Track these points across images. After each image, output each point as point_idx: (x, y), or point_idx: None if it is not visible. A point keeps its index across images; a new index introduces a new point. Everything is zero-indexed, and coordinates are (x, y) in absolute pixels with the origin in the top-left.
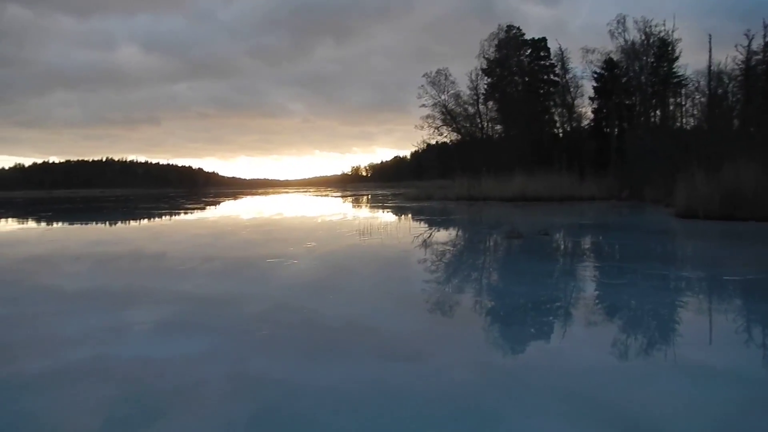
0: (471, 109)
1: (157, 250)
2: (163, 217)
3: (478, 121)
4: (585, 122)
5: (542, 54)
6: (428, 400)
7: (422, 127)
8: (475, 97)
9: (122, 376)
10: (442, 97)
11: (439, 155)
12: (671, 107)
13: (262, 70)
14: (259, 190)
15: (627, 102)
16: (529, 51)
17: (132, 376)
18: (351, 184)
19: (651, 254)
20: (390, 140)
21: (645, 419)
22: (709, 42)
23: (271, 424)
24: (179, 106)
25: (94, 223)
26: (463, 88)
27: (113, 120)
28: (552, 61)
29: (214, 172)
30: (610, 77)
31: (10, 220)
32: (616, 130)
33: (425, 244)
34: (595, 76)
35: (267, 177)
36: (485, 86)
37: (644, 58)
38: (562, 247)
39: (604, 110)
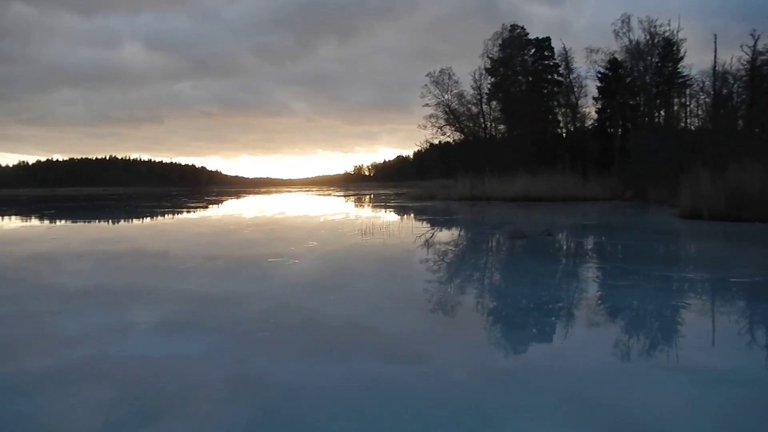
0: (474, 109)
1: (159, 249)
2: (166, 216)
3: (482, 120)
4: (589, 122)
5: (546, 54)
6: (429, 402)
7: (425, 127)
8: (478, 97)
9: (123, 376)
10: (446, 96)
11: (442, 155)
12: (675, 107)
13: (266, 69)
14: (262, 189)
15: (631, 102)
16: (532, 51)
17: (133, 375)
18: (354, 184)
19: (656, 255)
20: (393, 140)
21: (651, 423)
22: (715, 42)
23: (272, 424)
24: (182, 105)
25: (96, 221)
26: (467, 87)
27: (117, 118)
28: (556, 61)
29: (217, 171)
30: (615, 77)
31: (13, 217)
32: (620, 130)
33: (427, 244)
34: (599, 76)
35: (270, 176)
36: (489, 86)
37: (649, 58)
38: (566, 247)
39: (608, 110)
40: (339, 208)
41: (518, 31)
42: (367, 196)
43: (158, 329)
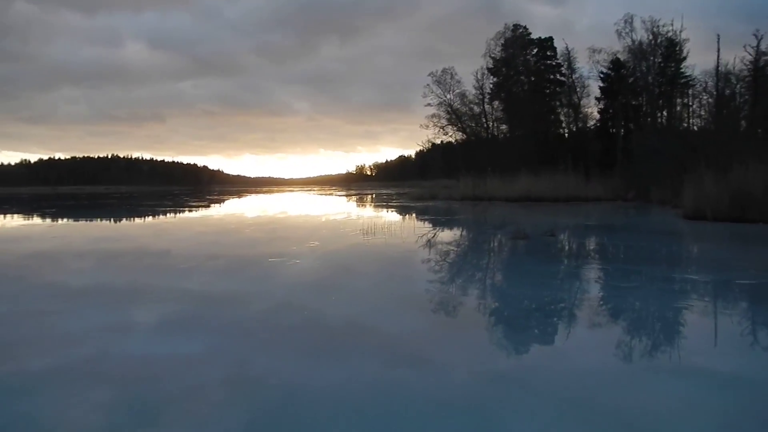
0: (476, 109)
1: (160, 248)
2: (167, 215)
3: (484, 120)
4: (591, 122)
5: (548, 54)
6: (431, 403)
7: (427, 127)
8: (480, 97)
9: (123, 376)
10: (448, 96)
11: (444, 155)
12: (678, 108)
13: (268, 69)
14: (264, 189)
15: (634, 102)
16: (535, 50)
17: (133, 375)
18: (355, 184)
19: (659, 256)
20: (395, 139)
21: (653, 425)
22: (718, 42)
23: (272, 425)
24: (184, 104)
25: (98, 219)
26: (469, 87)
27: (119, 117)
28: (558, 61)
29: (218, 170)
30: (617, 77)
31: (15, 216)
32: (623, 130)
33: (429, 244)
34: (602, 76)
35: (271, 175)
36: (491, 86)
37: (651, 58)
38: (568, 248)
39: (611, 110)
40: (340, 208)
41: (521, 30)
42: (369, 196)
43: (159, 329)
